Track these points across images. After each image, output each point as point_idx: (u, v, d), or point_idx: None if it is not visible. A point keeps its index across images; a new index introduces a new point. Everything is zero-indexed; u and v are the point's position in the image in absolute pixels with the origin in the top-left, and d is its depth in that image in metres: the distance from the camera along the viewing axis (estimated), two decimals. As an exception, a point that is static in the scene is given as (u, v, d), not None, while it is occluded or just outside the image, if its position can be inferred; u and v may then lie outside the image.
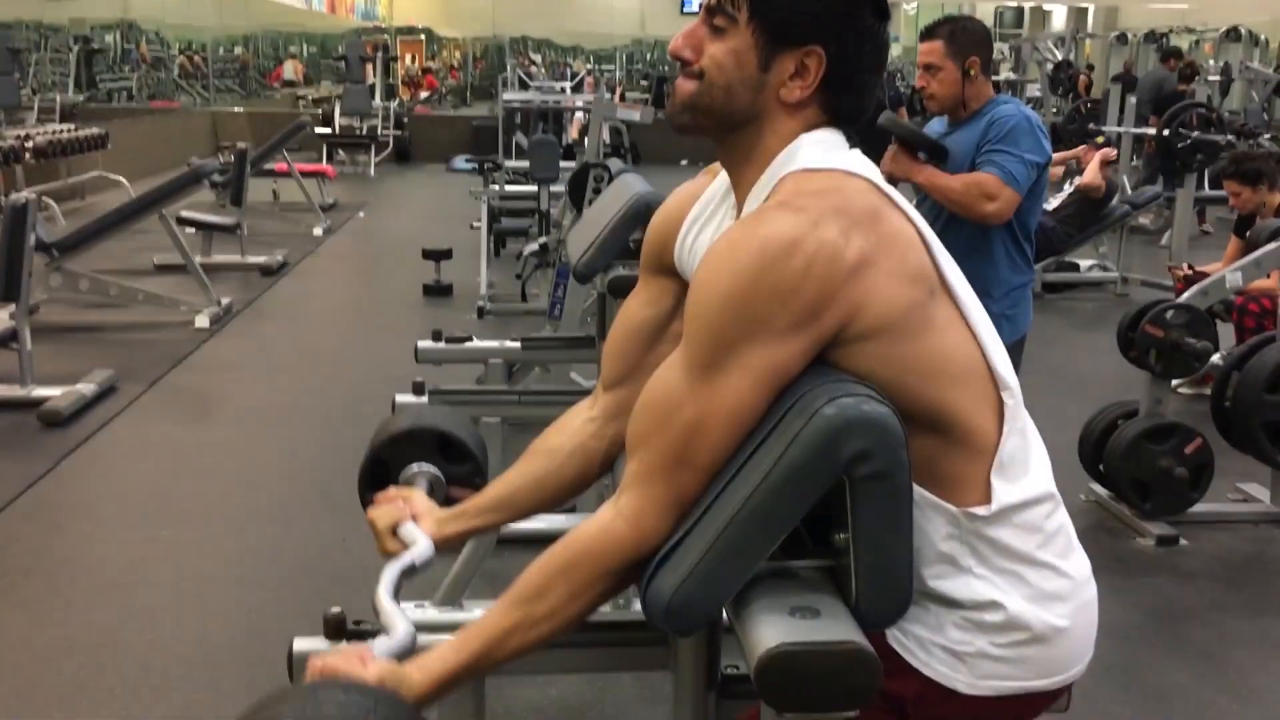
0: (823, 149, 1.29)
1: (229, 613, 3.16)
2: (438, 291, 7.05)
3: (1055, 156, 7.02)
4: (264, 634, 3.04)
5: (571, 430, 1.57)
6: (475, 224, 7.77)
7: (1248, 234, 4.99)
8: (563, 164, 6.74)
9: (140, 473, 4.24)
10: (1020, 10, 21.48)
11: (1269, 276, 4.62)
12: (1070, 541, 1.32)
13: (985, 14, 20.47)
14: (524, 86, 11.74)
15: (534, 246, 5.89)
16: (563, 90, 11.63)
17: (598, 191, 4.55)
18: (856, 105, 1.32)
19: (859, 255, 1.17)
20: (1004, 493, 1.25)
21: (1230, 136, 6.58)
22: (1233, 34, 15.22)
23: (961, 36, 3.20)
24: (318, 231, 9.23)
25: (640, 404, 1.26)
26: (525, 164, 7.89)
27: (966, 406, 1.24)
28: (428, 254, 7.04)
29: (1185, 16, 17.87)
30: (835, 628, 1.09)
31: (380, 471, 1.79)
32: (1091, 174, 6.78)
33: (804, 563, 1.20)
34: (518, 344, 3.49)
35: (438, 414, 1.85)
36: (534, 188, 6.81)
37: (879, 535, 1.14)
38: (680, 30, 1.36)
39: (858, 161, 1.29)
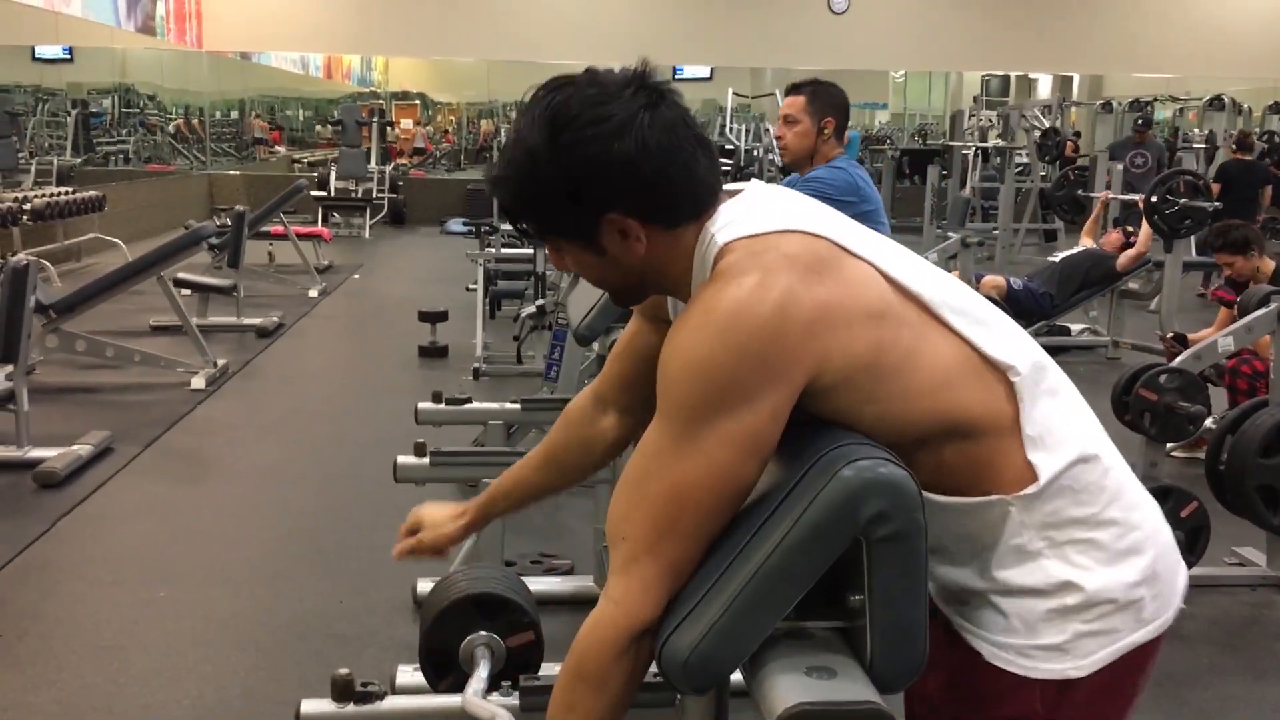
0: (733, 226, 1.29)
1: (225, 675, 3.14)
2: (433, 353, 7.07)
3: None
4: (260, 697, 3.03)
5: (573, 423, 1.69)
6: (471, 286, 7.82)
7: (1238, 300, 5.04)
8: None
9: (136, 534, 4.23)
10: (1007, 78, 21.80)
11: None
12: (1135, 493, 1.33)
13: (972, 82, 20.77)
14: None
15: (531, 309, 5.92)
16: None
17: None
18: (693, 191, 1.31)
19: (814, 304, 1.20)
20: (1047, 464, 1.25)
21: (1217, 203, 6.66)
22: (1215, 103, 15.45)
23: (823, 97, 3.48)
24: (313, 293, 9.27)
25: (619, 485, 1.28)
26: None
27: (973, 401, 1.26)
28: (424, 316, 7.07)
29: (1169, 86, 18.16)
30: (852, 688, 1.11)
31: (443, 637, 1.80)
32: (1142, 245, 7.06)
33: (818, 623, 1.21)
34: (518, 405, 3.50)
35: (496, 579, 1.86)
36: (529, 250, 6.87)
37: (895, 596, 1.15)
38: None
39: (783, 215, 1.29)
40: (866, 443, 1.19)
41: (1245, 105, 15.96)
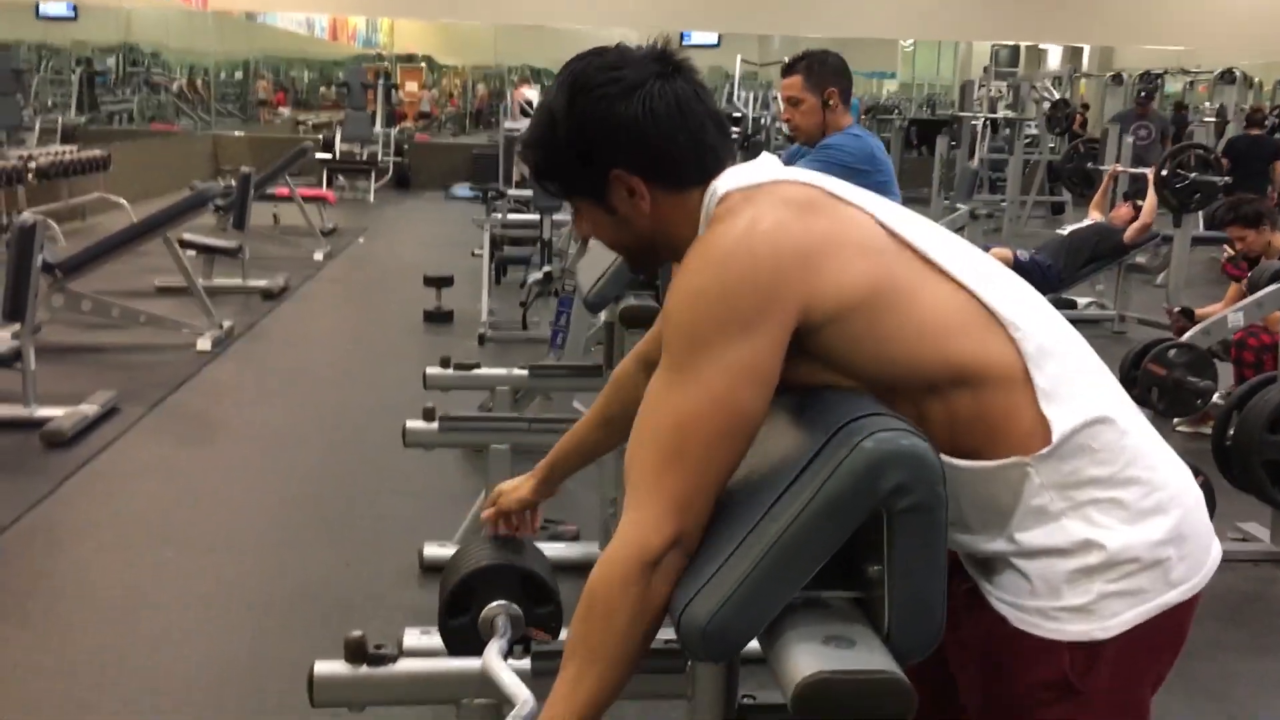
0: (732, 180, 1.35)
1: (232, 637, 3.16)
2: (438, 318, 7.07)
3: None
4: (269, 658, 3.04)
5: (622, 385, 1.77)
6: (477, 251, 7.80)
7: (1248, 275, 5.03)
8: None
9: (143, 495, 4.24)
10: (1016, 49, 21.65)
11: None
12: (1158, 453, 1.33)
13: (982, 53, 20.63)
14: (525, 115, 11.81)
15: (538, 275, 5.91)
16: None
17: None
18: (699, 158, 1.37)
19: (805, 233, 1.27)
20: (1061, 418, 1.25)
21: (1227, 178, 6.63)
22: (1227, 76, 15.35)
23: (819, 69, 3.40)
24: (318, 256, 9.25)
25: (631, 435, 1.31)
26: (525, 192, 7.92)
27: (979, 349, 1.27)
28: (429, 280, 7.06)
29: (1180, 58, 18.04)
30: (871, 658, 1.11)
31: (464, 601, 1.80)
32: (1147, 216, 6.99)
33: (835, 593, 1.21)
34: (525, 371, 3.50)
35: (524, 553, 1.86)
36: (536, 216, 6.85)
37: (915, 568, 1.15)
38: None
39: (781, 171, 1.38)
40: (887, 414, 1.18)
41: (1256, 79, 15.87)
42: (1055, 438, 1.25)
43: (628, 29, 20.70)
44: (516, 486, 1.84)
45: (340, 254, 9.68)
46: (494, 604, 1.78)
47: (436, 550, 3.58)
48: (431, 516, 3.96)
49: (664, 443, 1.24)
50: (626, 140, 1.34)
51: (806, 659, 1.10)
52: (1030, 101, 13.77)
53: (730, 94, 13.34)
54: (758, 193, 1.32)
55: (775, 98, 11.43)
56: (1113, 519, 1.26)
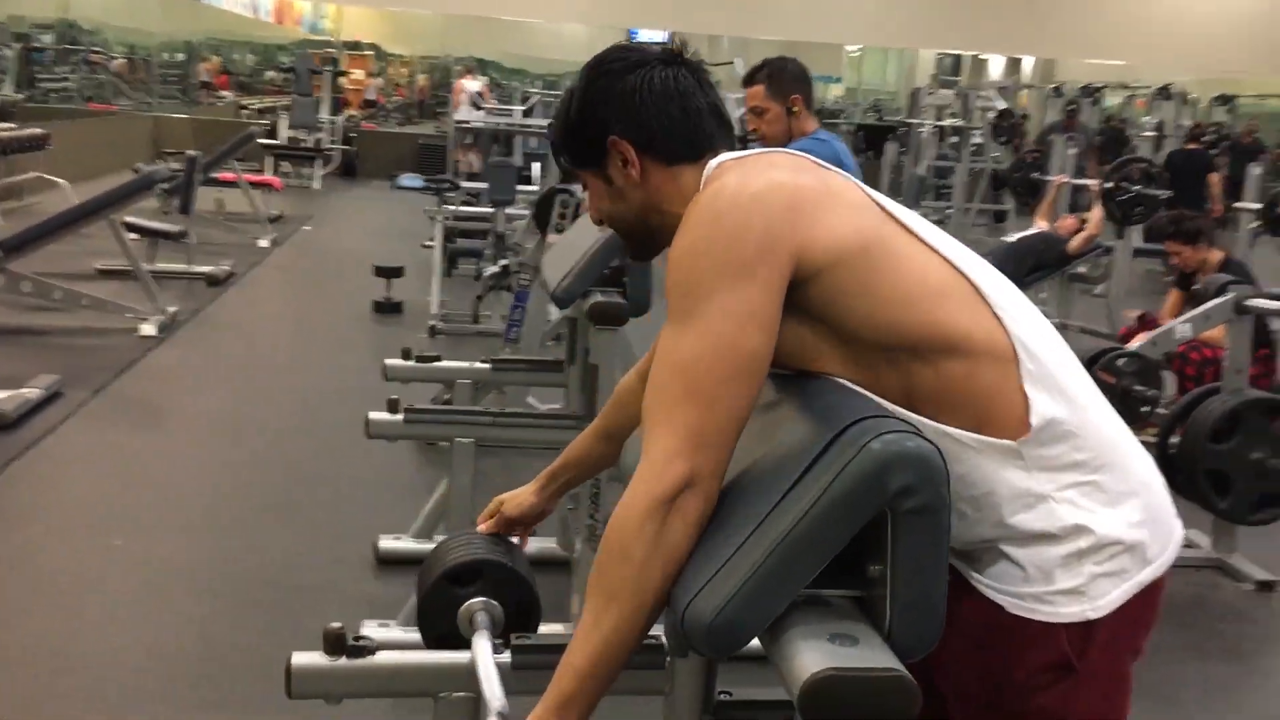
0: (727, 155, 1.44)
1: (183, 623, 3.11)
2: (387, 309, 7.01)
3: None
4: (219, 643, 3.01)
5: (623, 400, 1.78)
6: (428, 243, 7.74)
7: (1193, 287, 5.15)
8: (520, 187, 6.76)
9: (89, 480, 4.16)
10: (959, 58, 21.94)
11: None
12: (1127, 438, 1.38)
13: (927, 60, 20.89)
14: (477, 108, 11.73)
15: (495, 268, 5.88)
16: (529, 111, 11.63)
17: (563, 216, 4.57)
18: (691, 135, 1.45)
19: (797, 189, 1.34)
20: (1046, 403, 1.30)
21: (1169, 192, 6.78)
22: (1163, 92, 15.69)
23: (780, 76, 3.43)
24: (264, 243, 9.12)
25: (645, 389, 1.34)
26: (479, 185, 7.88)
27: (963, 318, 1.31)
28: (380, 271, 7.00)
29: (1120, 73, 18.40)
30: (876, 655, 1.12)
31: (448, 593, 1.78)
32: (1094, 228, 7.06)
33: (836, 592, 1.22)
34: (487, 365, 3.49)
35: (512, 553, 1.85)
36: (489, 210, 6.82)
37: (919, 568, 1.17)
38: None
39: (774, 150, 1.48)
40: (892, 415, 1.20)
41: (1193, 95, 16.22)
42: (1043, 420, 1.29)
43: (577, 23, 20.70)
44: (517, 497, 1.83)
45: (286, 241, 9.56)
46: (476, 600, 1.78)
47: (392, 543, 3.56)
48: (383, 507, 3.94)
49: (674, 385, 1.27)
50: (621, 107, 1.44)
51: (812, 656, 1.11)
52: (978, 110, 13.95)
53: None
54: (749, 159, 1.42)
55: (727, 99, 11.41)
56: (1095, 503, 1.31)
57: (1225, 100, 15.83)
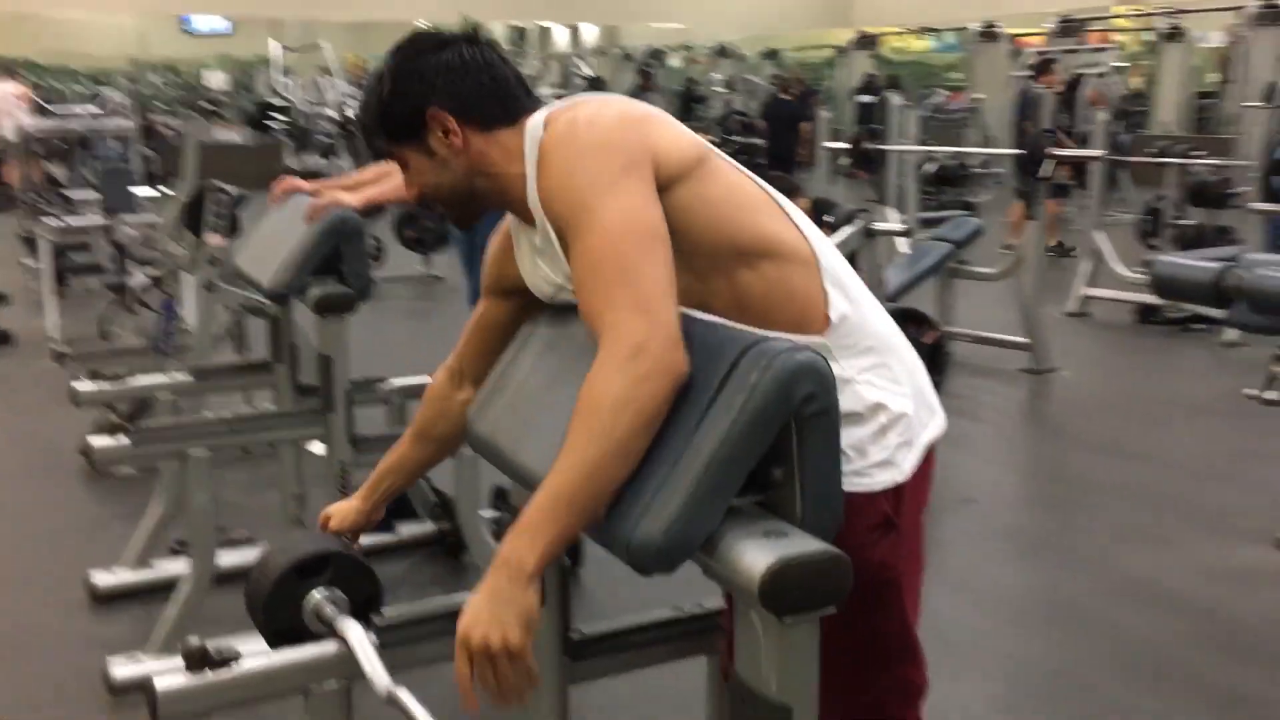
0: (550, 109, 1.57)
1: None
2: (-5, 341, 6.38)
3: None
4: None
5: (435, 400, 1.85)
6: (30, 263, 7.08)
7: (825, 218, 5.69)
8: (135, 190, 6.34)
9: None
10: (523, 30, 22.50)
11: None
12: (899, 334, 1.65)
13: (499, 32, 21.23)
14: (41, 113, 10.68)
15: (144, 279, 5.50)
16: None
17: (219, 215, 4.39)
18: (503, 99, 1.58)
19: (645, 112, 1.53)
20: (839, 300, 1.54)
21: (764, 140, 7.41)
22: (721, 51, 16.93)
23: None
24: None
25: (578, 294, 1.45)
26: (89, 194, 7.27)
27: (782, 229, 1.55)
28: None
29: (681, 35, 19.63)
30: (809, 543, 1.28)
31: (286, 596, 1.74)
32: None
33: (743, 499, 1.37)
34: (189, 376, 3.34)
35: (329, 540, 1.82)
36: (101, 220, 6.34)
37: (821, 464, 1.34)
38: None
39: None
40: (779, 337, 1.36)
41: (744, 52, 17.60)
42: (839, 315, 1.54)
43: (125, 14, 19.25)
44: (343, 508, 1.87)
45: None
46: (321, 591, 1.78)
47: (107, 577, 3.36)
48: (77, 543, 3.68)
49: (605, 272, 1.38)
50: (436, 80, 1.55)
51: (759, 553, 1.25)
52: (573, 77, 14.44)
53: (275, 83, 12.65)
54: (579, 102, 1.56)
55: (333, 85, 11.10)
56: (886, 381, 1.57)
57: (772, 54, 17.28)
